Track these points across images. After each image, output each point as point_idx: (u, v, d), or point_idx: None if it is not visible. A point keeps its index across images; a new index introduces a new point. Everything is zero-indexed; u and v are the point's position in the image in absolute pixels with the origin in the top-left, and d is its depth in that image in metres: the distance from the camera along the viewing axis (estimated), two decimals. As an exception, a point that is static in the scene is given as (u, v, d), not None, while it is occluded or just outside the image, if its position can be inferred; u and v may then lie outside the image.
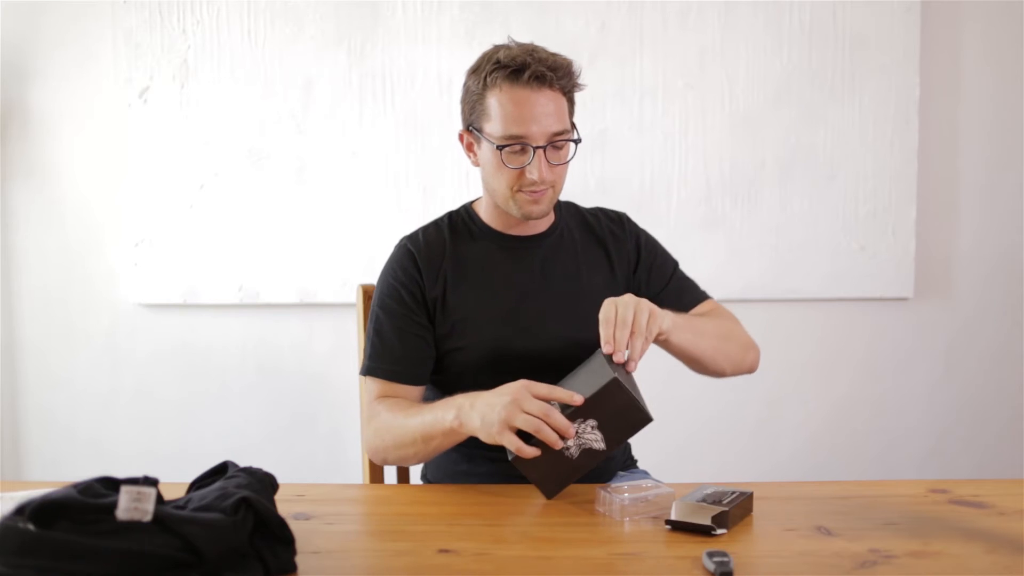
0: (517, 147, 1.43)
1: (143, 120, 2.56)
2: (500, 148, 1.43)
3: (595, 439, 1.23)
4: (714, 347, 1.50)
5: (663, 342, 1.42)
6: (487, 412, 1.26)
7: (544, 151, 1.43)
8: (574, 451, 1.23)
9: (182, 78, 2.56)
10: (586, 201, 1.72)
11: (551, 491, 1.25)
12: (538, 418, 1.21)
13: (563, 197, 1.67)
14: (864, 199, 2.61)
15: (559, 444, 1.22)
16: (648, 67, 2.57)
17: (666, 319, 1.37)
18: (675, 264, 1.67)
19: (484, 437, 1.27)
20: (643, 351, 1.31)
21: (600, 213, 1.66)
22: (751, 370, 1.60)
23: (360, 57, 2.55)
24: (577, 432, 1.22)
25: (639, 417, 1.23)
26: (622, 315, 1.30)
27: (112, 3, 2.55)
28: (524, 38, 1.53)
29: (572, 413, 1.22)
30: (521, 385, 1.25)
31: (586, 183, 2.55)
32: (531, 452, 1.22)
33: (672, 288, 1.62)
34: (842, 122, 2.59)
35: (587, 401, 1.22)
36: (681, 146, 2.59)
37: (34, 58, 2.58)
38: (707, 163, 2.59)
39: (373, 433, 1.47)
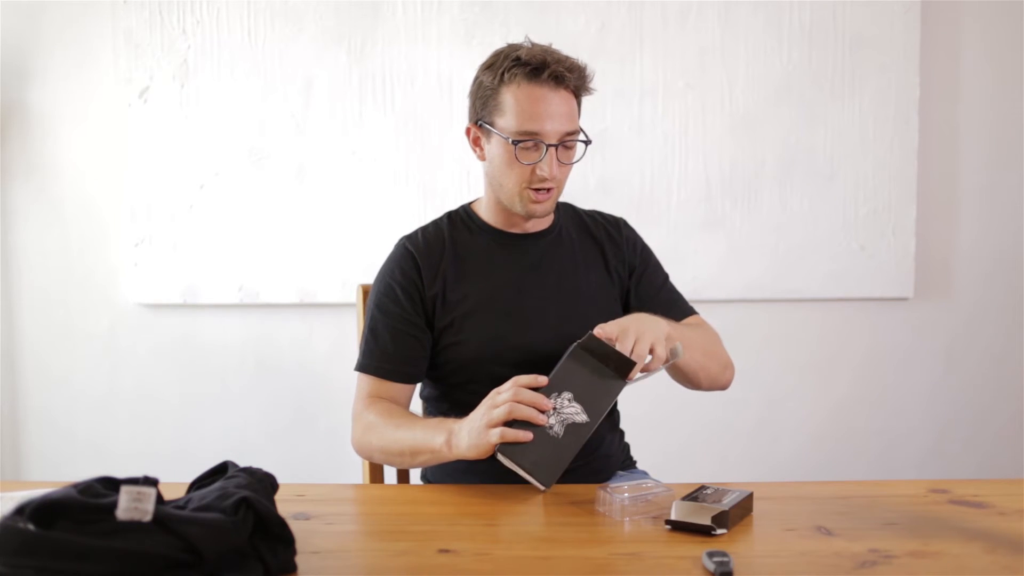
0: (531, 143, 1.45)
1: (143, 120, 2.56)
2: (515, 143, 1.44)
3: (575, 411, 1.23)
4: (698, 362, 1.51)
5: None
6: (471, 427, 1.29)
7: (556, 150, 1.45)
8: (557, 429, 1.23)
9: (182, 78, 2.56)
10: (586, 201, 1.72)
11: (545, 479, 1.25)
12: (510, 403, 1.25)
13: (563, 198, 1.68)
14: (864, 199, 2.61)
15: (540, 419, 1.23)
16: (648, 67, 2.57)
17: (663, 338, 1.37)
18: (665, 276, 1.68)
19: (475, 453, 1.28)
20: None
21: (598, 216, 1.68)
22: (724, 387, 1.61)
23: (360, 57, 2.55)
24: (555, 408, 1.23)
25: (613, 381, 1.23)
26: (621, 331, 1.32)
27: (112, 3, 2.55)
28: (524, 38, 1.54)
29: (546, 389, 1.24)
30: (490, 393, 1.30)
31: (586, 183, 2.55)
32: (519, 435, 1.24)
33: (662, 300, 1.62)
34: (842, 122, 2.59)
35: (557, 372, 1.24)
36: (681, 146, 2.59)
37: (34, 58, 2.58)
38: (707, 163, 2.59)
39: (361, 430, 1.50)
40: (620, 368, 1.27)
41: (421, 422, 1.42)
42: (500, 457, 1.24)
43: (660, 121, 2.58)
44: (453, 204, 1.67)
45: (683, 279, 2.53)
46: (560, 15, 2.54)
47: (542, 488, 1.26)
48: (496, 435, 1.25)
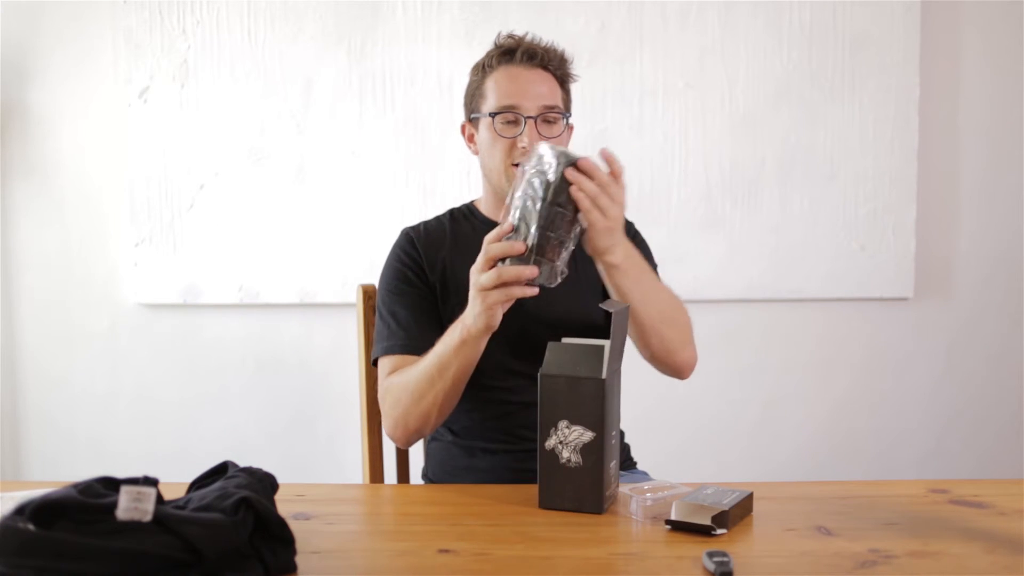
0: (510, 116, 1.50)
1: (143, 120, 2.56)
2: (493, 116, 1.50)
3: (579, 433, 1.22)
4: (651, 318, 1.43)
5: (606, 267, 1.38)
6: (473, 306, 1.31)
7: (536, 123, 1.49)
8: (575, 459, 1.22)
9: (182, 78, 2.56)
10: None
11: (593, 507, 1.22)
12: (499, 287, 1.26)
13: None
14: (864, 199, 2.61)
15: (527, 285, 1.25)
16: (648, 67, 2.57)
17: (619, 250, 1.35)
18: (655, 271, 1.63)
19: (486, 327, 1.31)
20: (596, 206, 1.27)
21: None
22: (679, 371, 1.53)
23: (360, 57, 2.55)
24: (561, 441, 1.22)
25: (588, 386, 1.21)
26: (604, 199, 1.28)
27: (112, 3, 2.55)
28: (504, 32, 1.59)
29: (542, 429, 1.22)
30: (472, 278, 1.30)
31: (586, 183, 2.54)
32: (522, 271, 1.24)
33: None
34: (842, 122, 2.59)
35: (541, 410, 1.22)
36: (681, 146, 2.59)
37: (34, 58, 2.58)
38: (707, 163, 2.59)
39: (391, 405, 1.47)
40: (591, 366, 1.23)
41: (428, 356, 1.42)
42: (542, 505, 1.24)
43: (660, 121, 2.58)
44: (453, 204, 1.69)
45: (683, 279, 2.54)
46: (560, 15, 2.54)
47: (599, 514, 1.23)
48: (501, 298, 1.26)
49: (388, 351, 1.52)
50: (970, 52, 2.64)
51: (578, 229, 1.29)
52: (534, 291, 1.26)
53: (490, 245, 1.28)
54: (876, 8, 2.56)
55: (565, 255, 1.28)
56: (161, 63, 2.55)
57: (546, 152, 1.26)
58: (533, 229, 1.24)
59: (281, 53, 2.55)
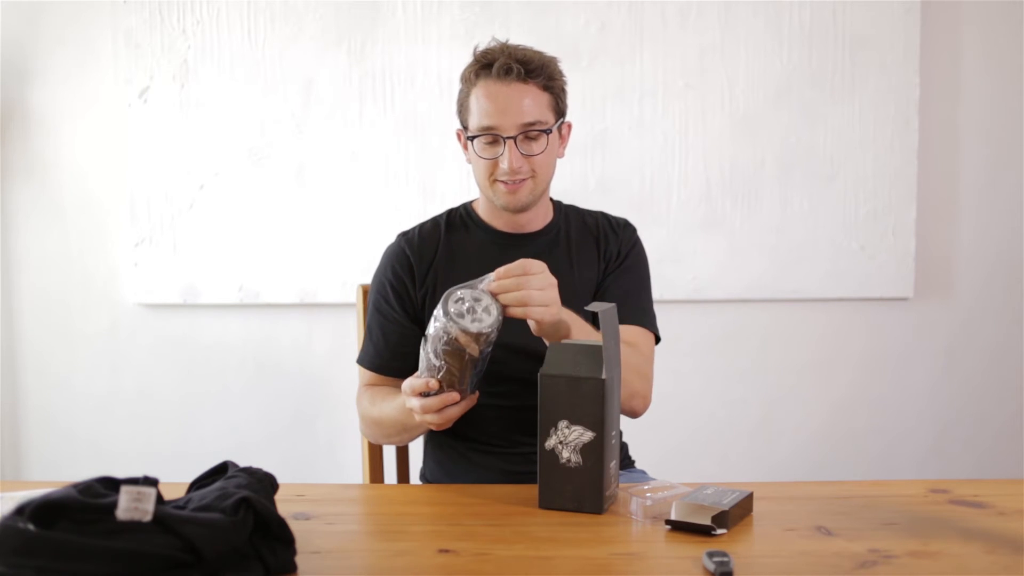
0: (490, 138, 1.49)
1: (143, 120, 2.56)
2: (471, 139, 1.51)
3: (579, 433, 1.22)
4: None
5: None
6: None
7: (515, 141, 1.48)
8: (575, 458, 1.22)
9: (182, 78, 2.56)
10: (586, 201, 1.72)
11: (593, 507, 1.22)
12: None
13: (564, 198, 1.68)
14: (864, 199, 2.61)
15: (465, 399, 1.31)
16: (648, 67, 2.57)
17: (562, 327, 1.34)
18: (645, 289, 1.62)
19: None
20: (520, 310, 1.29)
21: (601, 215, 1.67)
22: (629, 415, 1.52)
23: (360, 57, 2.55)
24: (562, 441, 1.22)
25: (588, 386, 1.21)
26: (525, 279, 1.29)
27: (112, 3, 2.55)
28: (524, 38, 1.57)
29: (543, 427, 1.22)
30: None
31: (586, 183, 2.55)
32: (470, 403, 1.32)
33: (622, 294, 1.56)
34: (842, 122, 2.59)
35: (541, 408, 1.23)
36: (681, 146, 2.59)
37: (34, 58, 2.58)
38: (707, 163, 2.59)
39: (364, 424, 1.58)
40: (591, 366, 1.22)
41: (394, 401, 1.43)
42: (542, 505, 1.25)
43: (660, 121, 2.58)
44: (453, 204, 1.68)
45: (683, 279, 2.56)
46: (560, 15, 2.54)
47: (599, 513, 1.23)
48: (438, 419, 1.30)
49: (361, 362, 1.62)
50: (970, 52, 2.64)
51: (482, 352, 1.29)
52: (472, 400, 1.32)
53: (405, 391, 1.31)
54: (876, 8, 2.57)
55: (478, 369, 1.32)
56: (161, 63, 2.55)
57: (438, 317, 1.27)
58: (444, 367, 1.27)
59: (281, 53, 2.55)
